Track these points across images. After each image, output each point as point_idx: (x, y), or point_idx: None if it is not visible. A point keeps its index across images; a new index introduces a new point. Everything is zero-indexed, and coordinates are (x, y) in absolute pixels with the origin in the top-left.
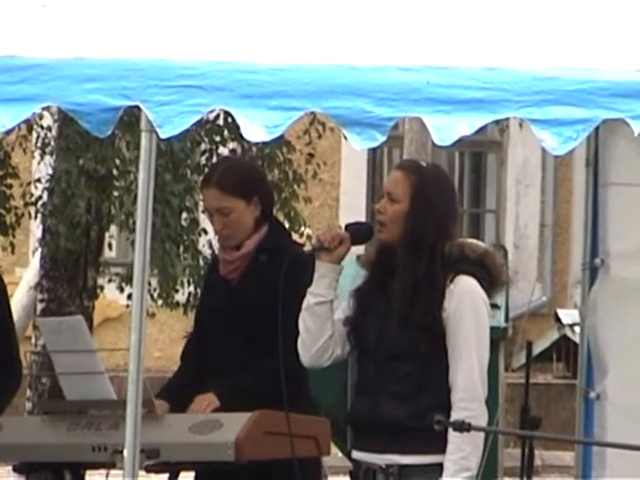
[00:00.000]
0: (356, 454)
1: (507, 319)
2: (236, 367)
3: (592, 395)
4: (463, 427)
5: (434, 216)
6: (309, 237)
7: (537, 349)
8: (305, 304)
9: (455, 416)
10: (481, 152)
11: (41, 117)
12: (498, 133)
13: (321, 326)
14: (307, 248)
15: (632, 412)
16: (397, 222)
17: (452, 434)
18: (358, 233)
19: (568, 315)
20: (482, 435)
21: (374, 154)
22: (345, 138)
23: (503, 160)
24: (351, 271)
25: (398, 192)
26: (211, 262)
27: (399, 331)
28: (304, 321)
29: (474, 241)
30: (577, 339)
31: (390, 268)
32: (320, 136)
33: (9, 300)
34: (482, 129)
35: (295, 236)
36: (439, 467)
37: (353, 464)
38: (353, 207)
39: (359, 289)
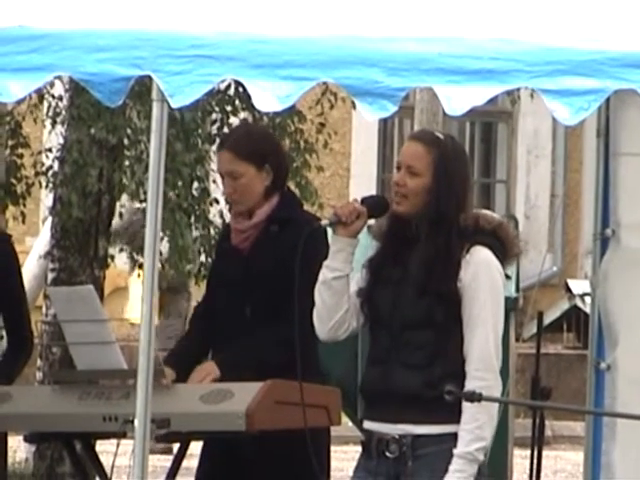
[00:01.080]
0: (368, 424)
1: (518, 289)
2: (244, 336)
3: (603, 366)
4: (474, 397)
5: (455, 191)
6: (321, 206)
7: (548, 319)
8: (322, 278)
9: (469, 386)
10: (492, 122)
11: (52, 86)
12: (509, 103)
13: (338, 300)
14: (324, 222)
15: None
16: (418, 196)
17: (467, 404)
18: (374, 207)
19: (579, 285)
20: (497, 405)
21: (385, 124)
22: (354, 107)
23: (514, 130)
24: (363, 242)
25: (419, 166)
26: (223, 231)
27: (415, 300)
28: (321, 295)
29: (489, 213)
30: (588, 309)
31: (404, 239)
32: (332, 106)
33: (21, 270)
34: (493, 99)
35: (307, 205)
36: (453, 437)
37: (365, 434)
38: (364, 177)
39: (372, 260)
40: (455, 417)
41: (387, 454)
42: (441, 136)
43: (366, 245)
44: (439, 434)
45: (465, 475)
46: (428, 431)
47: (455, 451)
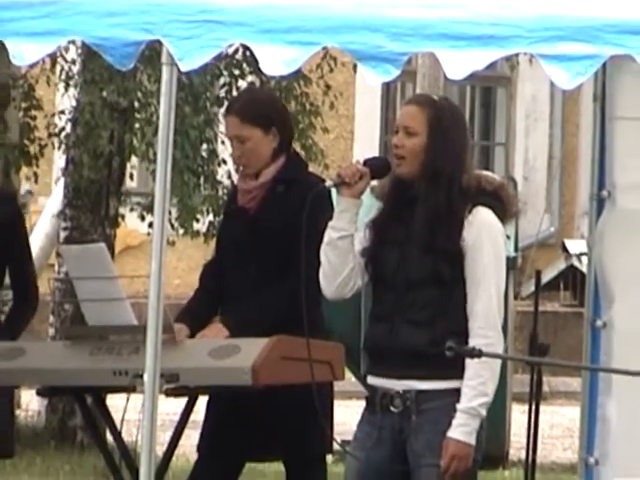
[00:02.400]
0: (372, 380)
1: (516, 249)
2: (251, 294)
3: (599, 323)
4: (473, 353)
5: (451, 148)
6: (326, 167)
7: (545, 278)
8: (327, 239)
9: (473, 343)
10: (491, 87)
11: (67, 50)
12: (508, 69)
13: (344, 259)
14: (329, 183)
15: (637, 339)
16: (416, 155)
17: (470, 360)
18: (377, 168)
19: (575, 245)
20: (499, 362)
21: (388, 88)
22: (355, 71)
23: (512, 95)
24: (367, 202)
25: (415, 126)
26: (231, 192)
27: (420, 258)
28: (326, 255)
29: (490, 174)
30: (584, 269)
31: (406, 199)
32: (332, 70)
33: (26, 228)
34: (492, 65)
35: (312, 166)
36: (455, 392)
37: (369, 390)
38: (367, 139)
39: (375, 220)
40: (458, 373)
41: (391, 409)
42: (436, 97)
43: (369, 205)
44: (442, 389)
45: (468, 430)
46: (432, 386)
47: (458, 406)
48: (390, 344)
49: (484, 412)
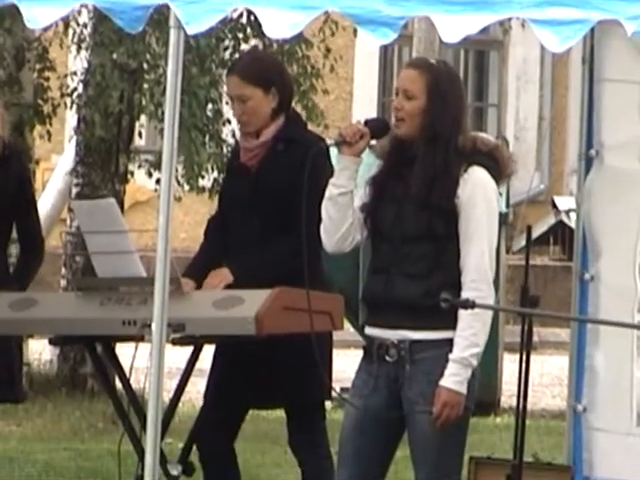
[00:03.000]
0: (369, 330)
1: (508, 205)
2: (253, 247)
3: (587, 276)
4: (467, 304)
5: (448, 110)
6: (326, 127)
7: (535, 233)
8: (328, 195)
9: (465, 296)
10: (484, 50)
11: (79, 14)
12: (501, 33)
13: (343, 215)
14: (330, 142)
15: (623, 292)
16: (415, 117)
17: (463, 312)
18: (377, 128)
19: (564, 202)
20: (490, 314)
21: (385, 52)
22: (355, 36)
23: (504, 58)
24: (367, 160)
25: (414, 89)
26: (233, 150)
27: (416, 214)
28: (327, 211)
29: (485, 135)
30: (573, 224)
31: (405, 158)
32: (333, 34)
33: (32, 182)
34: (485, 29)
35: (313, 126)
36: (448, 342)
37: (366, 340)
38: (365, 100)
39: (375, 177)
40: (451, 324)
41: (387, 358)
42: (434, 61)
43: (370, 164)
44: (435, 339)
45: (460, 379)
46: (425, 337)
47: (451, 356)
48: (386, 295)
49: (475, 362)
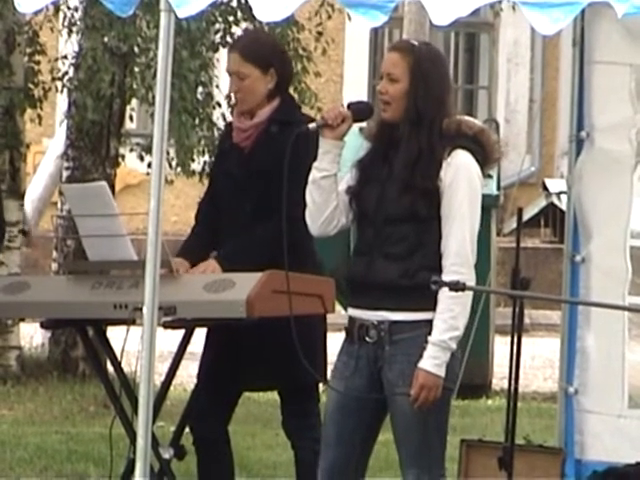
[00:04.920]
0: (351, 311)
1: (499, 187)
2: (244, 230)
3: (578, 258)
4: (458, 287)
5: (432, 91)
6: (319, 109)
7: (526, 215)
8: (311, 178)
9: (446, 278)
10: (475, 33)
11: None
12: (491, 15)
13: (327, 198)
14: (312, 125)
15: (614, 274)
16: (399, 100)
17: (443, 295)
18: (359, 111)
19: (555, 184)
20: (470, 297)
21: (376, 34)
22: (349, 19)
23: (495, 40)
24: (355, 143)
25: (397, 72)
26: (225, 130)
27: (399, 196)
28: (311, 194)
29: (471, 119)
30: (563, 206)
31: (391, 140)
32: (330, 17)
33: None
34: (476, 11)
35: (305, 109)
36: (426, 323)
37: (348, 321)
38: (356, 82)
39: (362, 159)
40: (429, 305)
41: (367, 339)
42: (416, 43)
43: (357, 146)
44: (414, 320)
45: (438, 362)
46: (404, 317)
47: (430, 338)
48: (367, 277)
49: (454, 345)
